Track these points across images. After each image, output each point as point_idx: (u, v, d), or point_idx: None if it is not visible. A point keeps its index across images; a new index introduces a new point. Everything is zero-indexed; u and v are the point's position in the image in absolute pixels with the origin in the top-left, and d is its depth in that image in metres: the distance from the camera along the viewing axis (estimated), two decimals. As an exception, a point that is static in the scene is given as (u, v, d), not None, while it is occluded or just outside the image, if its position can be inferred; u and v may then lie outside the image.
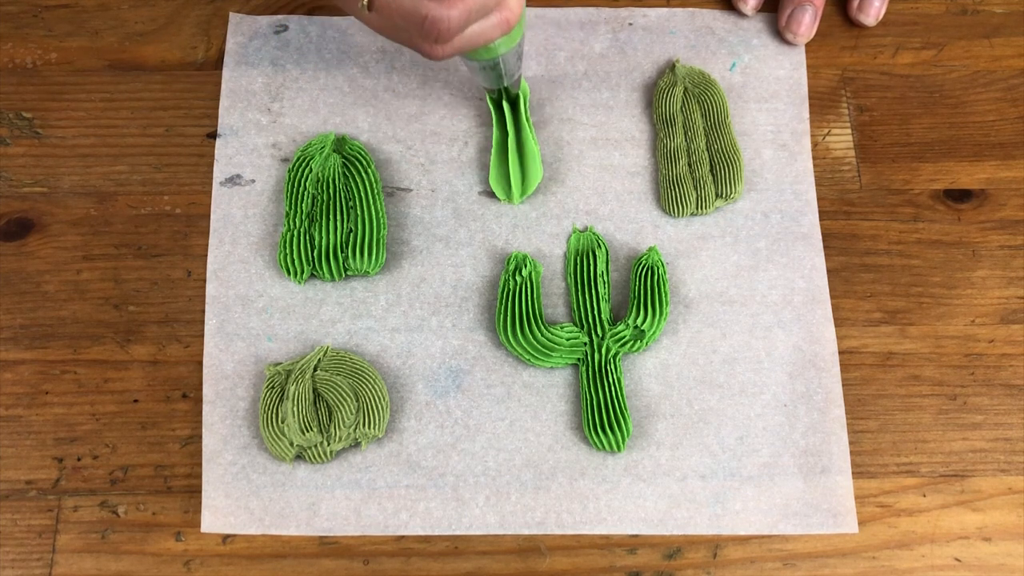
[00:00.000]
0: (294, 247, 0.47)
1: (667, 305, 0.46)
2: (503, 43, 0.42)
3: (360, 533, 0.43)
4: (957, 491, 0.44)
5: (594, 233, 0.48)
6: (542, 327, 0.46)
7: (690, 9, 0.53)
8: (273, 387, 0.45)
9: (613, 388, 0.45)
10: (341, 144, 0.49)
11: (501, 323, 0.46)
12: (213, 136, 0.50)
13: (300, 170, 0.49)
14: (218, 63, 0.52)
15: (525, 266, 0.47)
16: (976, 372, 0.47)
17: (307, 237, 0.47)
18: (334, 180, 0.48)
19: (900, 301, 0.48)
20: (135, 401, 0.46)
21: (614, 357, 0.46)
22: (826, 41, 0.53)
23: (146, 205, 0.49)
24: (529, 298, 0.46)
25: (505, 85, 0.47)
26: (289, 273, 0.47)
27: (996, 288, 0.48)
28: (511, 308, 0.46)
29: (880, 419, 0.46)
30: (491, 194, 0.49)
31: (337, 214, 0.48)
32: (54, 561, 0.43)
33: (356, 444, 0.45)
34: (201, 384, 0.46)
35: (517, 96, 0.49)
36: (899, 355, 0.47)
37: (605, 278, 0.47)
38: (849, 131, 0.51)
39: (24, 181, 0.50)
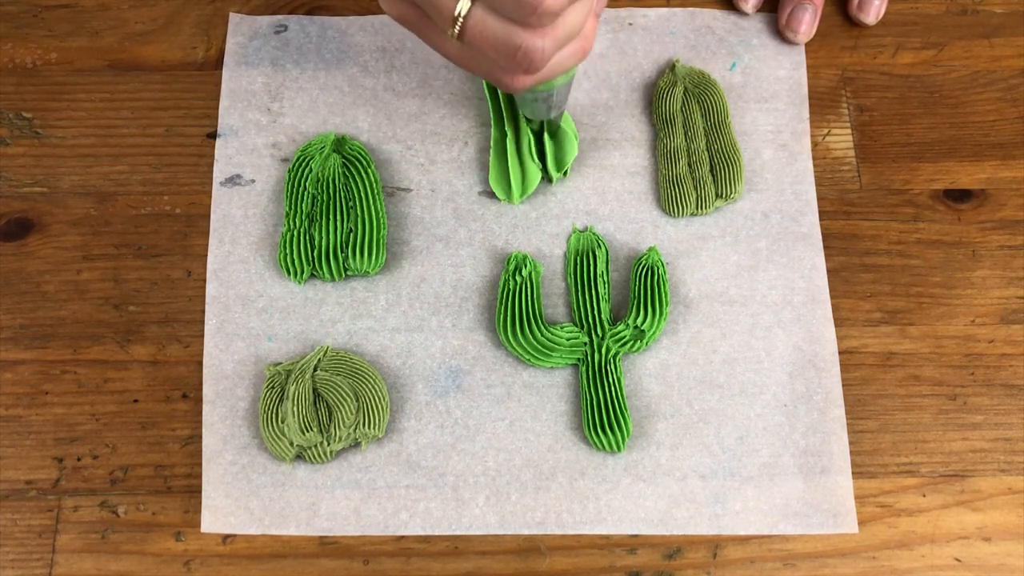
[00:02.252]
0: (294, 247, 0.47)
1: (667, 305, 0.46)
2: (563, 74, 0.41)
3: (360, 533, 0.43)
4: (957, 491, 0.44)
5: (594, 233, 0.48)
6: (542, 327, 0.46)
7: (690, 9, 0.53)
8: (273, 387, 0.45)
9: (613, 388, 0.45)
10: (341, 144, 0.49)
11: (501, 323, 0.46)
12: (213, 136, 0.51)
13: (300, 170, 0.49)
14: (218, 63, 0.52)
15: (525, 266, 0.47)
16: (976, 372, 0.47)
17: (307, 237, 0.47)
18: (334, 180, 0.48)
19: (900, 301, 0.48)
20: (135, 401, 0.46)
21: (614, 357, 0.46)
22: (826, 41, 0.53)
23: (146, 205, 0.49)
24: (529, 298, 0.46)
25: (551, 117, 0.45)
26: (289, 273, 0.47)
27: (996, 288, 0.48)
28: (511, 308, 0.46)
29: (880, 419, 0.46)
30: (491, 194, 0.49)
31: (337, 214, 0.48)
32: (54, 561, 0.43)
33: (356, 444, 0.45)
34: (201, 384, 0.46)
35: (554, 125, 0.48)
36: (899, 355, 0.47)
37: (605, 278, 0.47)
38: (849, 131, 0.51)
39: (24, 181, 0.50)
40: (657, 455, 0.45)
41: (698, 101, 0.51)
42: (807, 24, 0.51)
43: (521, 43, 0.35)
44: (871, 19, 0.53)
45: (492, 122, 0.50)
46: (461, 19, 0.35)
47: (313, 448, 0.44)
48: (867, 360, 0.47)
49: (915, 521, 0.44)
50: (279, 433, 0.44)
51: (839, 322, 0.47)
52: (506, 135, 0.49)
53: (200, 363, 0.46)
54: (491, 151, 0.49)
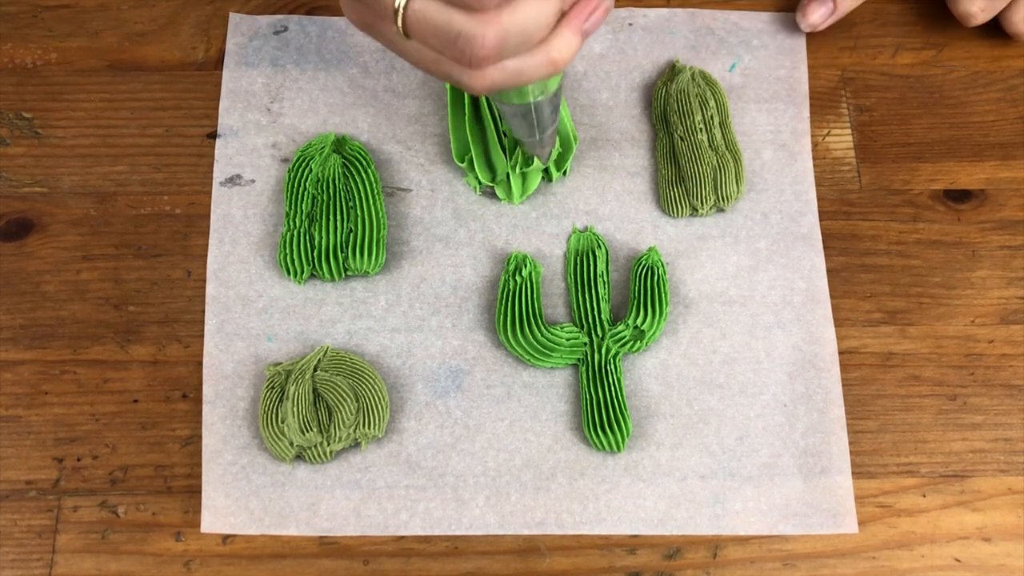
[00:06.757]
0: (294, 247, 0.47)
1: (667, 305, 0.46)
2: (536, 88, 0.40)
3: (360, 533, 0.43)
4: (957, 491, 0.45)
5: (594, 233, 0.48)
6: (542, 327, 0.46)
7: (690, 9, 0.53)
8: (273, 387, 0.45)
9: (613, 388, 0.45)
10: (341, 144, 0.49)
11: (501, 323, 0.46)
12: (213, 136, 0.51)
13: (300, 170, 0.49)
14: (218, 63, 0.52)
15: (525, 266, 0.47)
16: (976, 372, 0.47)
17: (307, 237, 0.47)
18: (334, 180, 0.48)
19: (900, 301, 0.48)
20: (135, 401, 0.46)
21: (614, 357, 0.46)
22: (826, 41, 0.53)
23: (146, 205, 0.49)
24: (529, 298, 0.46)
25: (538, 138, 0.44)
26: (289, 273, 0.47)
27: (996, 288, 0.48)
28: (511, 308, 0.46)
29: (880, 419, 0.46)
30: (491, 194, 0.49)
31: (337, 214, 0.48)
32: (54, 561, 0.43)
33: (356, 444, 0.45)
34: (201, 384, 0.46)
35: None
36: (899, 355, 0.47)
37: (605, 278, 0.47)
38: (849, 131, 0.51)
39: (24, 181, 0.50)
40: (657, 455, 0.45)
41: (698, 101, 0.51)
42: (819, 16, 0.51)
43: (460, 28, 0.34)
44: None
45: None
46: (402, 9, 0.34)
47: (313, 448, 0.44)
48: (867, 360, 0.47)
49: (915, 521, 0.44)
50: (279, 433, 0.44)
51: (839, 322, 0.47)
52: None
53: (200, 363, 0.46)
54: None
